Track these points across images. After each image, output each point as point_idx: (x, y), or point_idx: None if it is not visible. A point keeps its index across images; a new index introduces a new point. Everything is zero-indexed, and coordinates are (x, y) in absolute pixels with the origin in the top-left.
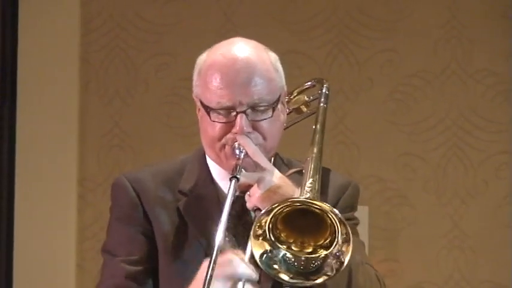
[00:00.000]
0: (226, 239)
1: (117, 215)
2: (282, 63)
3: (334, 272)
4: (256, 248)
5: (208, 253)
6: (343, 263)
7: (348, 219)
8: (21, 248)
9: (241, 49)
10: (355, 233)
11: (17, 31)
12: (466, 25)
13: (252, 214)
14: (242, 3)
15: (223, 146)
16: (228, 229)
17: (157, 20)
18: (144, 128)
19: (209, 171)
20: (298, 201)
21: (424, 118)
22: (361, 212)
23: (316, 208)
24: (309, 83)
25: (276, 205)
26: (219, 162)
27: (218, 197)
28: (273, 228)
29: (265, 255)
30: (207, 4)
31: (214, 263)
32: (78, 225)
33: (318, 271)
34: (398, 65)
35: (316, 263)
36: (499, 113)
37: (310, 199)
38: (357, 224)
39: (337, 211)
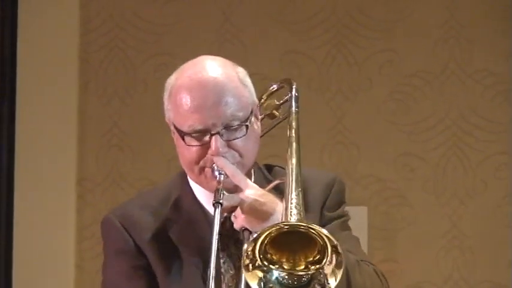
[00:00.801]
0: (222, 260)
1: (110, 253)
2: (281, 63)
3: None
4: (250, 279)
5: (204, 276)
6: (329, 281)
7: (338, 217)
8: (21, 248)
9: (208, 69)
10: (348, 229)
11: (17, 31)
12: (465, 25)
13: None
14: (241, 3)
15: (203, 168)
16: (221, 250)
17: (156, 20)
18: (143, 128)
19: (193, 194)
20: (285, 225)
21: (424, 118)
22: (360, 212)
23: (303, 229)
24: (275, 85)
25: (262, 232)
26: (201, 184)
27: (206, 218)
28: (264, 253)
29: (261, 283)
30: (206, 4)
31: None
32: (77, 225)
33: (308, 284)
34: (398, 65)
35: (307, 277)
36: (499, 113)
37: (296, 221)
38: (348, 220)
39: (325, 231)
